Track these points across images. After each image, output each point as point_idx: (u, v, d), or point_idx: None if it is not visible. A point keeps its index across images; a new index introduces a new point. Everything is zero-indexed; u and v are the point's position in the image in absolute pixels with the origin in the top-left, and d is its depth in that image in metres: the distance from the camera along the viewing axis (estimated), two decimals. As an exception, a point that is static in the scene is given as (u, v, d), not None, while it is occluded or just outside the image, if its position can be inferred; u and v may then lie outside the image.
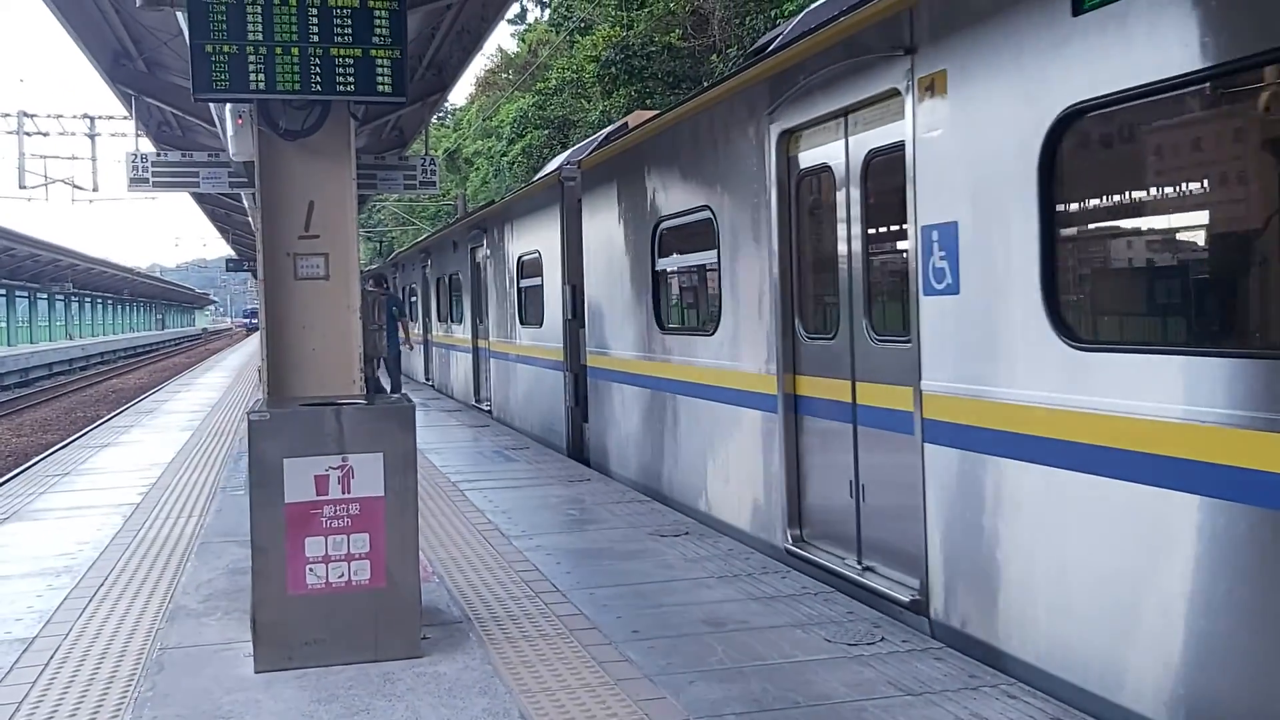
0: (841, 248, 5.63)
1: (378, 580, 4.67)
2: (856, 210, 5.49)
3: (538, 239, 11.96)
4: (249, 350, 46.55)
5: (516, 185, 26.20)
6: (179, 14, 8.60)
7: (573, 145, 29.85)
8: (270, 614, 4.56)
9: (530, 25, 41.18)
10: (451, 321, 18.67)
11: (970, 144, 4.45)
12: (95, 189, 33.48)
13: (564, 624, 5.08)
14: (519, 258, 12.86)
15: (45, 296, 57.36)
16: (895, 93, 4.97)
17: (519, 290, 12.97)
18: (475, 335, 16.35)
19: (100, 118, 31.89)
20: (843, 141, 5.59)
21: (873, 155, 5.35)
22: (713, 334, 7.26)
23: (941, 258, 4.64)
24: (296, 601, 4.57)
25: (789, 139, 6.12)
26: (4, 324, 50.33)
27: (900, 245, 5.19)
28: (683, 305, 8.63)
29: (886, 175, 5.24)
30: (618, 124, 11.83)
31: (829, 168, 5.75)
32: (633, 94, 24.43)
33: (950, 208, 4.58)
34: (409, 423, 4.82)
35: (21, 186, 33.25)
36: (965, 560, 4.59)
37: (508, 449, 11.43)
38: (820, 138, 5.83)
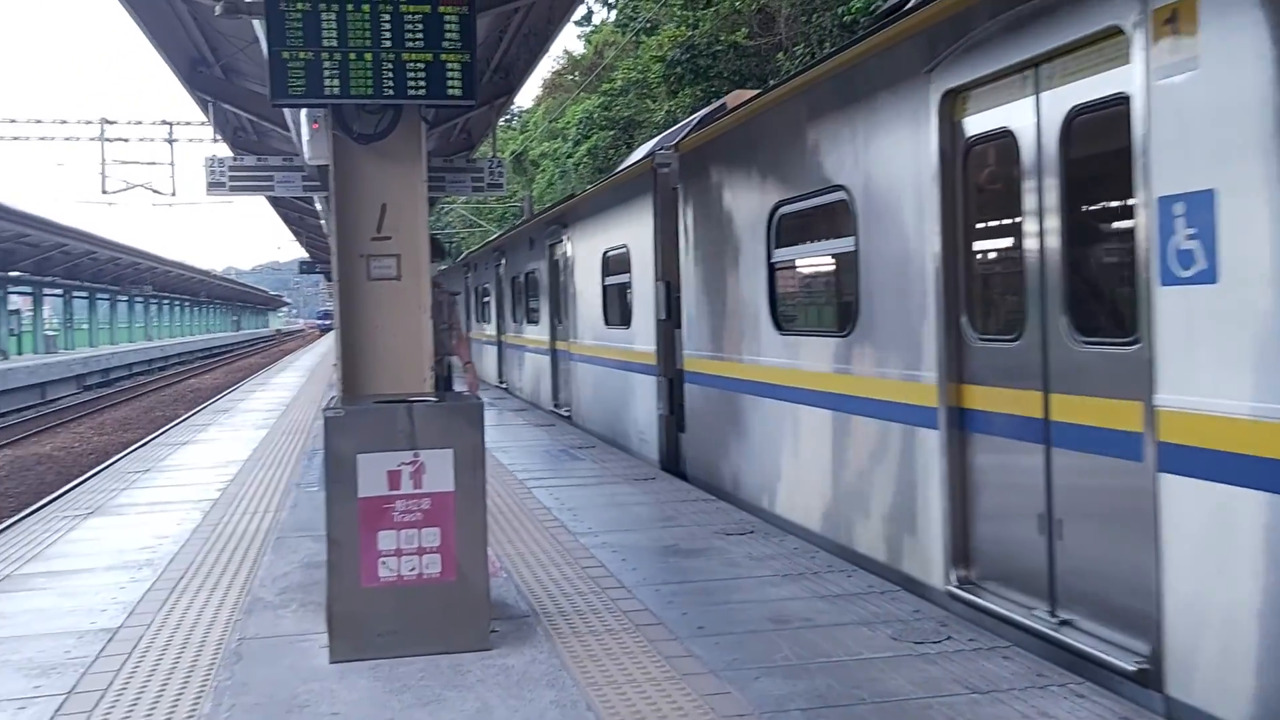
0: (1029, 229, 4.73)
1: (448, 574, 4.77)
2: (1052, 181, 4.58)
3: (626, 232, 11.06)
4: (320, 351, 47.37)
5: (582, 186, 26.37)
6: (256, 22, 8.83)
7: (638, 145, 29.98)
8: (344, 606, 4.67)
9: (596, 26, 41.39)
10: (527, 322, 17.73)
11: (1239, 88, 3.53)
12: (173, 193, 34.39)
13: (630, 619, 5.13)
14: (604, 253, 11.96)
15: (126, 299, 59.02)
16: (1115, 32, 4.08)
17: (604, 288, 12.10)
18: (554, 336, 15.45)
19: (178, 124, 32.74)
20: (1032, 99, 4.70)
21: (1076, 113, 4.44)
22: (848, 335, 6.33)
23: (1190, 236, 3.73)
24: (370, 594, 4.68)
25: (954, 101, 5.22)
26: (86, 325, 51.89)
27: (1119, 224, 4.32)
28: (807, 302, 7.65)
29: (1098, 137, 4.38)
30: (714, 105, 11.09)
31: (1010, 132, 4.86)
32: (698, 93, 24.43)
33: (1204, 172, 3.67)
34: (478, 420, 4.91)
35: (103, 192, 34.30)
36: (1230, 629, 3.63)
37: (574, 448, 11.52)
38: (998, 96, 4.93)
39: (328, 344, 56.53)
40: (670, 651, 4.65)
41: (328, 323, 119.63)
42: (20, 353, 40.48)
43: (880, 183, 5.91)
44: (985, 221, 5.29)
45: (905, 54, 5.59)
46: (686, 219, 9.26)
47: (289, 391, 22.52)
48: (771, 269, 7.48)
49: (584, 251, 13.15)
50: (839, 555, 6.35)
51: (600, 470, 9.84)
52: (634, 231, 10.72)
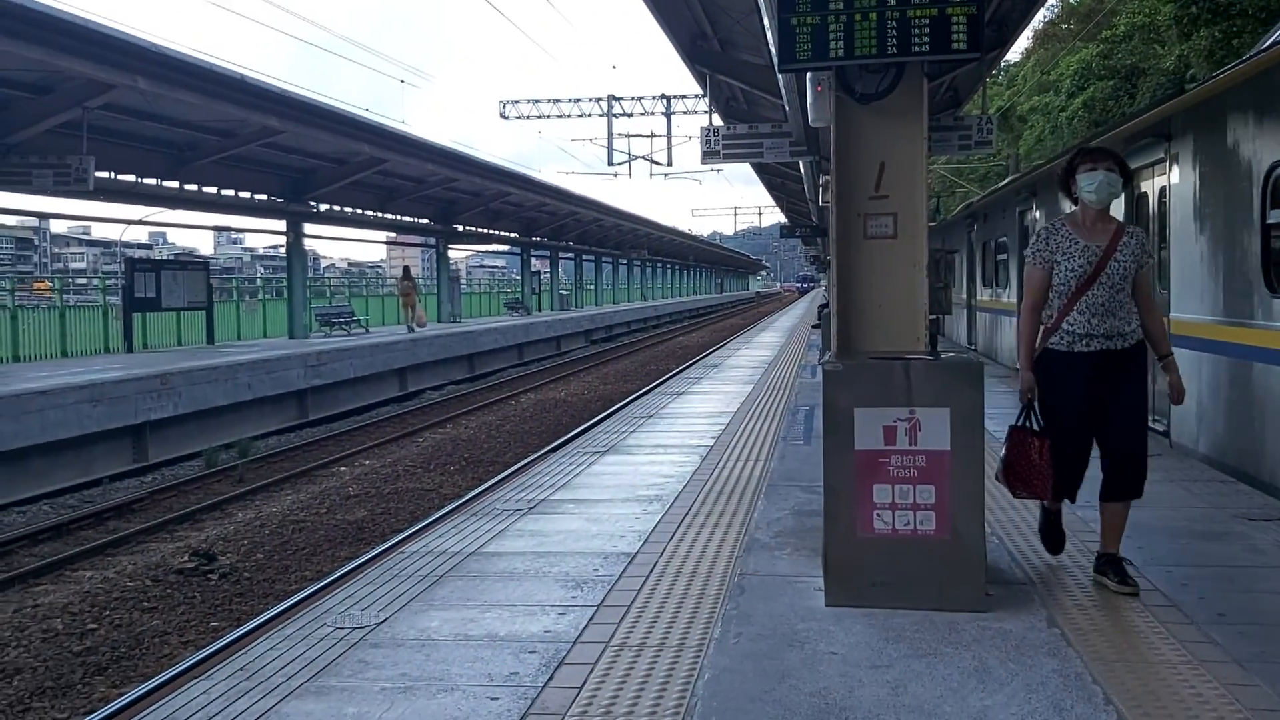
0: None
1: (942, 532, 4.75)
2: None
3: None
4: (798, 313, 48.71)
5: (1070, 142, 24.55)
6: (759, -8, 9.22)
7: (1142, 95, 27.33)
8: (840, 553, 4.84)
9: (1096, -31, 38.33)
10: None
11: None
12: (669, 163, 36.97)
13: (1139, 598, 4.80)
14: (1269, 174, 7.41)
15: (625, 262, 64.56)
16: None
17: (1264, 230, 7.52)
18: None
19: (675, 97, 35.05)
20: None
21: None
22: None
23: None
24: (865, 543, 4.79)
25: None
26: (592, 286, 57.48)
27: None
28: None
29: None
30: None
31: None
32: (1216, 35, 21.91)
33: None
34: (977, 380, 4.82)
35: (610, 164, 37.71)
36: None
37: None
38: None
39: (803, 306, 57.97)
40: (1186, 636, 4.31)
41: (806, 285, 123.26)
42: (540, 310, 45.74)
43: None
44: None
45: None
46: None
47: (770, 351, 23.43)
48: None
49: (1212, 177, 8.53)
50: None
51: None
52: None
